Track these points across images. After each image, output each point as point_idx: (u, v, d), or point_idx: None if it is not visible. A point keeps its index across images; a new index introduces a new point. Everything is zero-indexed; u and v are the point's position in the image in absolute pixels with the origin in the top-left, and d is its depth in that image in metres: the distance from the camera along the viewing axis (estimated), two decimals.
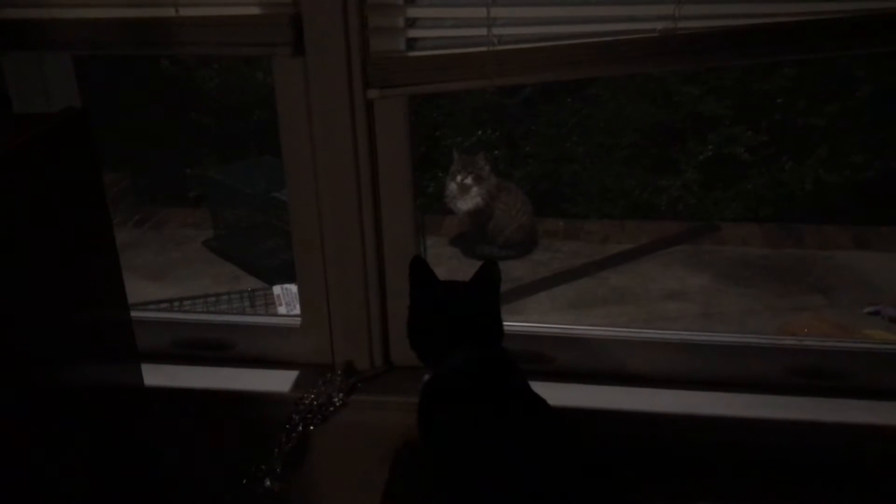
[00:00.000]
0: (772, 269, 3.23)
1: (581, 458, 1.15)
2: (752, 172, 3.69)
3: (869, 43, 1.18)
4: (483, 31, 1.23)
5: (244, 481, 1.43)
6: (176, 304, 2.41)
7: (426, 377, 1.25)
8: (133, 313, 1.34)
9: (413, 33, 1.27)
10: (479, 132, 3.91)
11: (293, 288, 2.41)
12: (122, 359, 1.33)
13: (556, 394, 1.24)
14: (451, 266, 3.22)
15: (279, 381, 1.48)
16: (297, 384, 1.47)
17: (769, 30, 1.16)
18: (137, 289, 3.02)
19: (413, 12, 1.25)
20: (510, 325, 1.41)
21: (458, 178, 3.24)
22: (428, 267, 1.26)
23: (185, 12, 1.24)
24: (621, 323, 2.82)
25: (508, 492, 1.08)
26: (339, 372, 1.47)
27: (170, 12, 1.23)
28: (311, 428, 1.44)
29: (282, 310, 2.38)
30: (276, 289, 2.44)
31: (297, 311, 2.33)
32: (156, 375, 1.44)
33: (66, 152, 1.16)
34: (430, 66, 1.26)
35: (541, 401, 1.20)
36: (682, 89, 3.68)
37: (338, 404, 1.43)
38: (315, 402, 1.44)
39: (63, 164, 1.15)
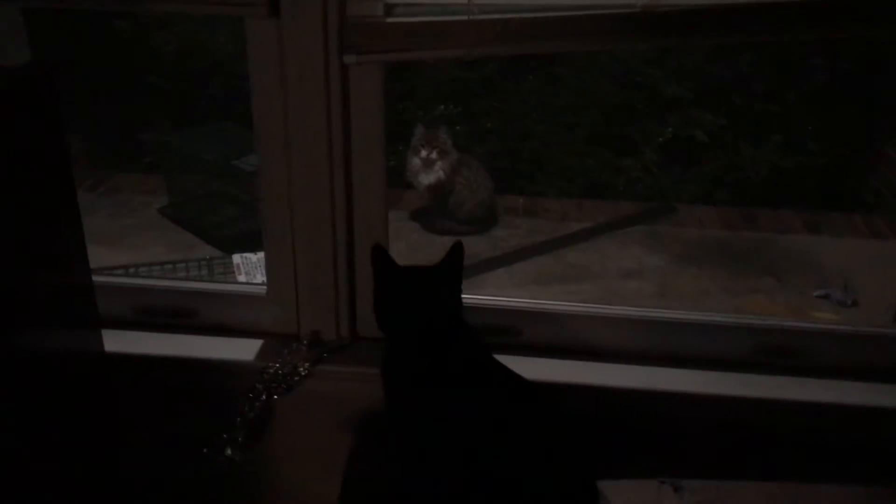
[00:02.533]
0: (726, 251, 3.29)
1: (547, 430, 1.19)
2: (710, 155, 3.74)
3: (852, 24, 1.19)
4: (463, 0, 1.21)
5: (205, 450, 1.41)
6: (132, 270, 2.36)
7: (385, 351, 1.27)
8: (95, 278, 1.31)
9: None
10: (441, 107, 3.89)
11: (253, 257, 2.37)
12: (83, 325, 1.30)
13: (522, 367, 1.25)
14: (412, 240, 3.21)
15: (243, 350, 1.46)
16: (262, 353, 1.46)
17: (749, 8, 1.16)
18: (91, 254, 2.96)
19: None
20: (476, 298, 1.42)
21: (423, 152, 3.22)
22: (387, 253, 1.25)
23: None
24: (579, 300, 2.85)
25: (465, 460, 1.12)
26: (306, 342, 1.45)
27: None
28: (276, 398, 1.42)
29: (241, 278, 2.35)
30: (236, 257, 2.40)
31: (257, 280, 2.31)
32: (117, 342, 1.40)
33: (29, 109, 1.12)
34: (408, 34, 1.24)
35: (504, 369, 1.24)
36: (644, 70, 3.70)
37: (303, 374, 1.42)
38: (280, 372, 1.42)
39: (25, 122, 1.11)
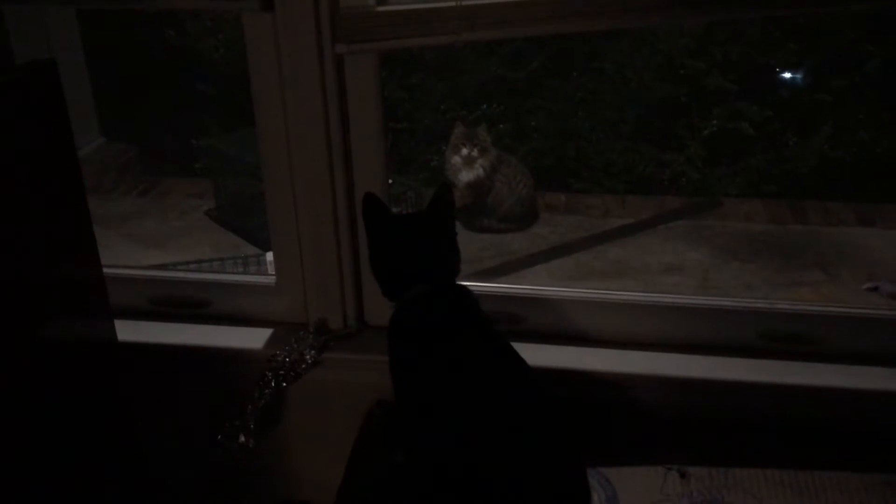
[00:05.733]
0: (773, 244, 3.21)
1: (534, 386, 1.16)
2: (757, 148, 3.66)
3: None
4: None
5: (218, 437, 1.45)
6: (170, 268, 2.43)
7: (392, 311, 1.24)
8: (114, 271, 1.35)
9: None
10: (484, 106, 3.90)
11: None
12: (95, 314, 1.34)
13: (527, 354, 1.24)
14: None
15: (253, 339, 1.50)
16: (271, 342, 1.49)
17: None
18: (138, 255, 3.06)
19: None
20: (479, 285, 1.42)
21: (464, 150, 3.23)
22: (381, 202, 1.24)
23: None
24: None
25: (466, 425, 1.08)
26: (312, 330, 1.48)
27: None
28: (284, 385, 1.45)
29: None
30: (269, 255, 2.45)
31: None
32: (132, 331, 1.46)
33: (35, 104, 1.16)
34: (399, 22, 1.25)
35: (497, 333, 1.21)
36: (687, 63, 3.64)
37: (309, 362, 1.45)
38: (287, 360, 1.45)
39: (31, 117, 1.15)
